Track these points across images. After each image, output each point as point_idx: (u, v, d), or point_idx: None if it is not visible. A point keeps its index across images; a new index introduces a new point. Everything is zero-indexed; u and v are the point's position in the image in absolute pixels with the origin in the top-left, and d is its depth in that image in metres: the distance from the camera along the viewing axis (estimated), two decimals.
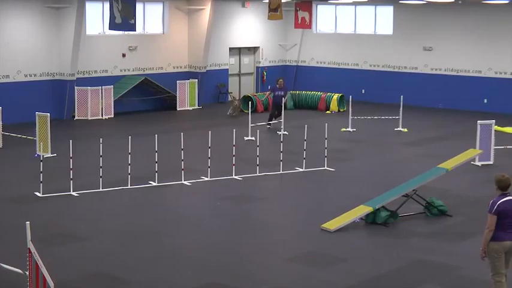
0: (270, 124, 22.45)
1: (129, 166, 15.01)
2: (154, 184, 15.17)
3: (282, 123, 21.25)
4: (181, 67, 27.46)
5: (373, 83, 29.02)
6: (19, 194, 14.36)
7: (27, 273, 8.35)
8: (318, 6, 30.22)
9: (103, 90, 24.17)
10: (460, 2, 25.59)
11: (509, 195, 8.72)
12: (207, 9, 26.80)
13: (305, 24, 27.66)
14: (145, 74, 25.90)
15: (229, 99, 27.62)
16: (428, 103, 27.60)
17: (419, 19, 27.88)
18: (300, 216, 13.48)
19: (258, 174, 16.17)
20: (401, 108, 22.75)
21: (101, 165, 14.67)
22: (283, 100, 22.30)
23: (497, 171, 9.88)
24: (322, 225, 12.35)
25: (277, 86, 22.65)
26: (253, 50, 30.21)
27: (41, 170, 14.11)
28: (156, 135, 15.88)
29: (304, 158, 16.84)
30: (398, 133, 22.21)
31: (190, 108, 26.67)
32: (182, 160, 15.44)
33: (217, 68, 28.53)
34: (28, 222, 8.12)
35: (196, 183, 15.43)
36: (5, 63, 22.66)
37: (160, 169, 15.35)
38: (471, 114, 24.65)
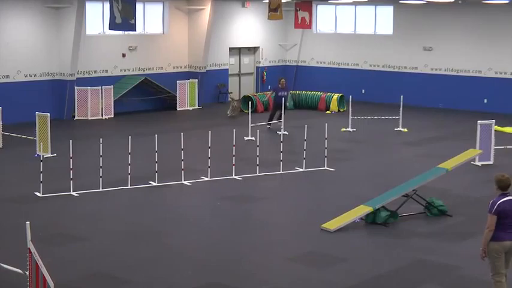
0: (270, 124, 22.44)
1: (129, 166, 15.01)
2: (154, 184, 15.17)
3: (282, 123, 21.24)
4: (181, 67, 27.46)
5: (373, 83, 29.01)
6: (19, 194, 14.35)
7: (27, 273, 8.34)
8: (318, 6, 30.22)
9: (103, 90, 24.16)
10: (460, 2, 25.57)
11: (509, 195, 8.71)
12: (207, 9, 26.80)
13: (305, 24, 27.64)
14: (145, 74, 25.90)
15: (229, 99, 27.62)
16: (428, 103, 27.59)
17: (419, 19, 27.88)
18: (300, 216, 13.47)
19: (258, 174, 16.17)
20: (401, 108, 22.75)
21: (101, 165, 14.66)
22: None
23: (497, 171, 9.87)
24: (322, 225, 12.35)
25: (280, 86, 22.57)
26: (253, 50, 30.21)
27: (41, 170, 14.10)
28: (156, 135, 15.88)
29: (304, 158, 16.83)
30: (398, 133, 22.20)
31: (190, 108, 26.67)
32: (182, 160, 15.44)
33: (217, 68, 28.53)
34: (28, 222, 8.12)
35: (196, 183, 15.43)
36: (5, 63, 22.65)
37: (160, 169, 15.34)
38: (471, 114, 24.65)
